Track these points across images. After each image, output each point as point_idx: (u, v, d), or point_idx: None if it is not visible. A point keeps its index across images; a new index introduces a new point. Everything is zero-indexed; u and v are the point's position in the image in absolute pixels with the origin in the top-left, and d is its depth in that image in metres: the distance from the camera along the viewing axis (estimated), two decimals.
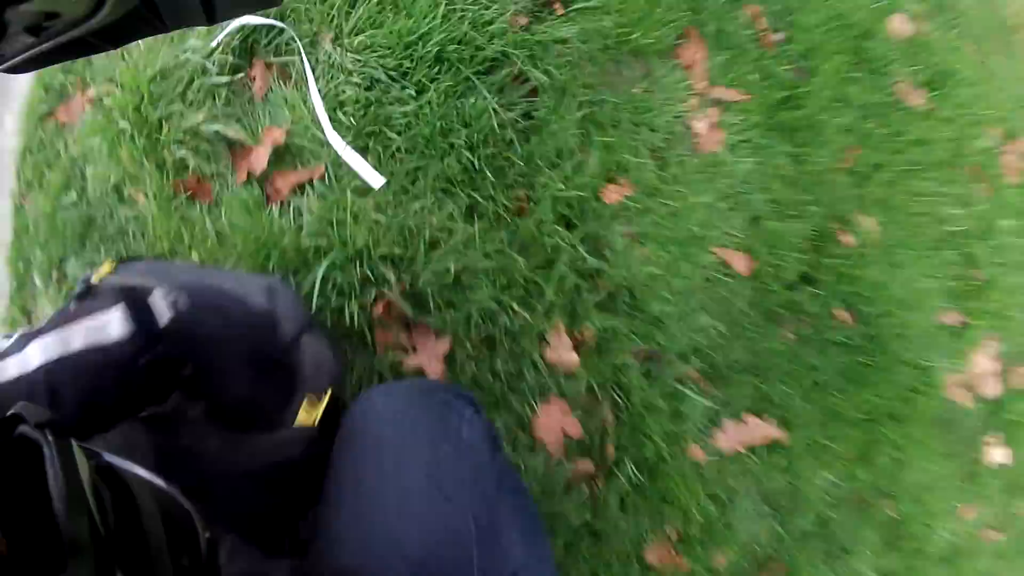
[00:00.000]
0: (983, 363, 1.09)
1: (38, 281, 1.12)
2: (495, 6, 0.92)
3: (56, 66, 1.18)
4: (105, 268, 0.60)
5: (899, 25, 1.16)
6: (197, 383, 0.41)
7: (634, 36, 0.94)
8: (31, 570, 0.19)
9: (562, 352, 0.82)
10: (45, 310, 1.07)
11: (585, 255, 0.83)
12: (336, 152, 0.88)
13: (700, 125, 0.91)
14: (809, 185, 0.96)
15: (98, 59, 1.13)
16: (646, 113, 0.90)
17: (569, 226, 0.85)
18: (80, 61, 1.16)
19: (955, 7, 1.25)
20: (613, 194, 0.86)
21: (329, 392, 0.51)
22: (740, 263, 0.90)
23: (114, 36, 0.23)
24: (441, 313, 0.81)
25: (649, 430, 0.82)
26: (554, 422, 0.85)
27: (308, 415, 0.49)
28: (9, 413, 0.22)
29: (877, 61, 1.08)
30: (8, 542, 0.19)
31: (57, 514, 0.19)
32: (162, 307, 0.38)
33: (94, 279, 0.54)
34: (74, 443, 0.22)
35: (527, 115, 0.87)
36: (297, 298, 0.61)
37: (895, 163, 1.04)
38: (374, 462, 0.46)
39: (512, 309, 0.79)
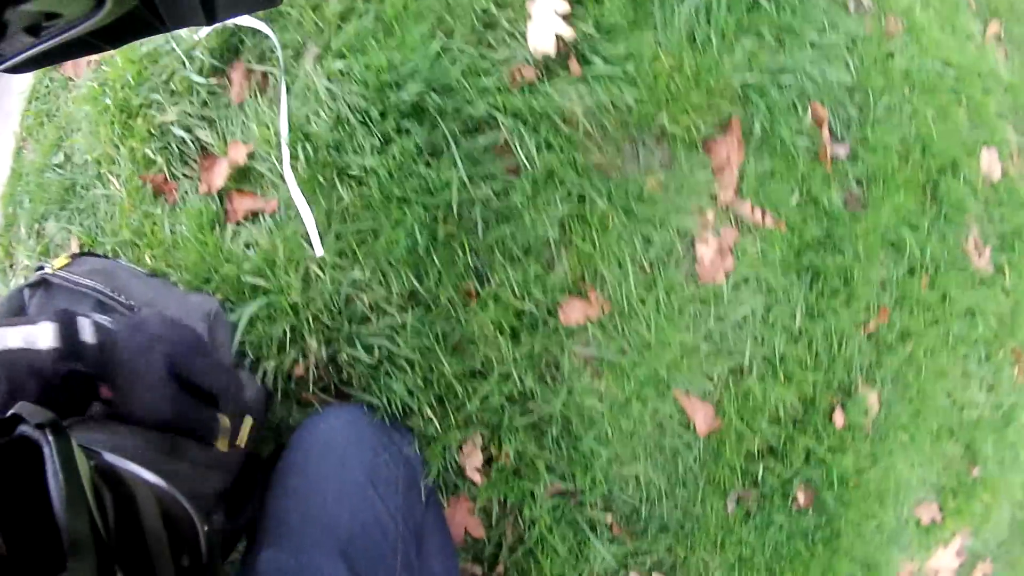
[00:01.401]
0: (944, 559, 0.83)
1: (23, 230, 0.99)
2: (498, 52, 0.64)
3: None
4: (60, 261, 0.55)
5: (988, 164, 0.79)
6: (117, 405, 0.38)
7: (660, 118, 0.64)
8: (31, 570, 0.18)
9: (469, 468, 0.62)
10: (22, 260, 0.96)
11: (522, 375, 0.61)
12: (285, 190, 0.66)
13: (708, 248, 0.65)
14: (817, 346, 0.68)
15: None
16: (645, 221, 0.63)
17: (515, 337, 0.62)
18: None
19: None
20: (576, 312, 0.62)
21: (251, 421, 0.48)
22: (702, 419, 0.66)
23: (113, 36, 0.20)
24: (362, 393, 0.62)
25: (541, 567, 0.63)
26: (459, 518, 0.67)
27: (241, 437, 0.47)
28: (9, 413, 0.20)
29: (952, 206, 0.74)
30: (8, 542, 0.18)
31: (57, 514, 0.18)
32: (89, 331, 0.37)
33: (48, 270, 0.51)
34: (74, 443, 0.20)
35: (501, 195, 0.62)
36: (233, 329, 0.58)
37: (928, 335, 0.75)
38: (319, 458, 0.47)
39: (425, 414, 0.59)
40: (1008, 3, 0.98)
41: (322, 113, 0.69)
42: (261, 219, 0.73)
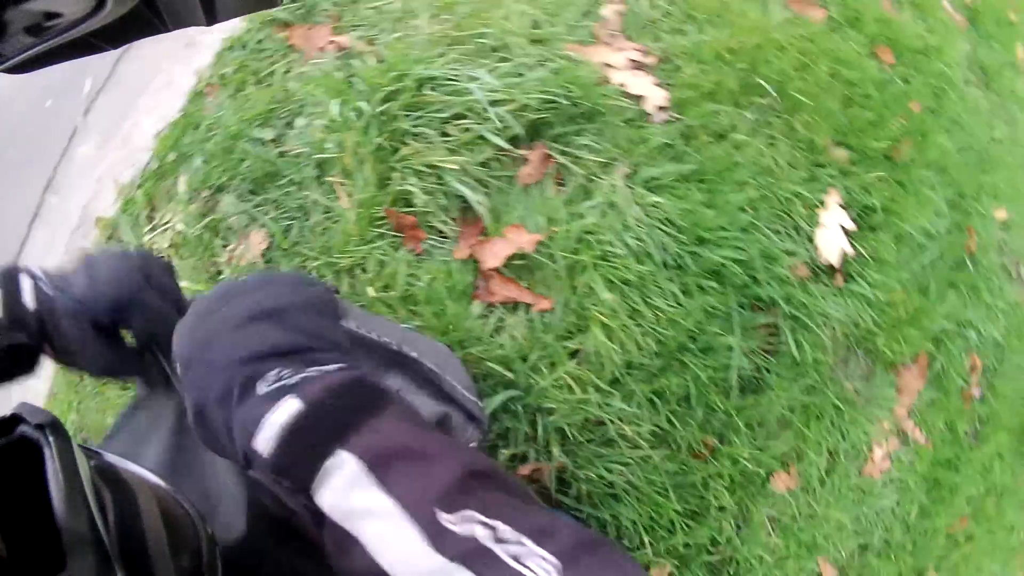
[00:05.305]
0: None
1: (182, 187, 1.00)
2: (789, 243, 0.87)
3: None
4: None
5: None
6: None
7: (878, 339, 0.92)
8: (31, 570, 0.20)
9: None
10: (171, 219, 0.95)
11: (729, 524, 0.84)
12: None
13: (878, 451, 0.93)
14: (917, 536, 1.02)
15: (368, 2, 0.97)
16: (847, 419, 0.90)
17: (730, 490, 0.85)
18: None
19: None
20: (781, 482, 0.87)
21: None
22: None
23: (114, 36, 0.23)
24: (579, 504, 0.81)
25: None
26: None
27: None
28: (10, 413, 0.23)
29: None
30: (8, 542, 0.20)
31: (57, 514, 0.20)
32: (30, 295, 0.38)
33: None
34: (74, 443, 0.22)
35: (758, 371, 0.85)
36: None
37: (983, 541, 1.12)
38: None
39: (639, 536, 0.80)
40: None
41: (628, 240, 0.85)
42: (523, 312, 0.87)
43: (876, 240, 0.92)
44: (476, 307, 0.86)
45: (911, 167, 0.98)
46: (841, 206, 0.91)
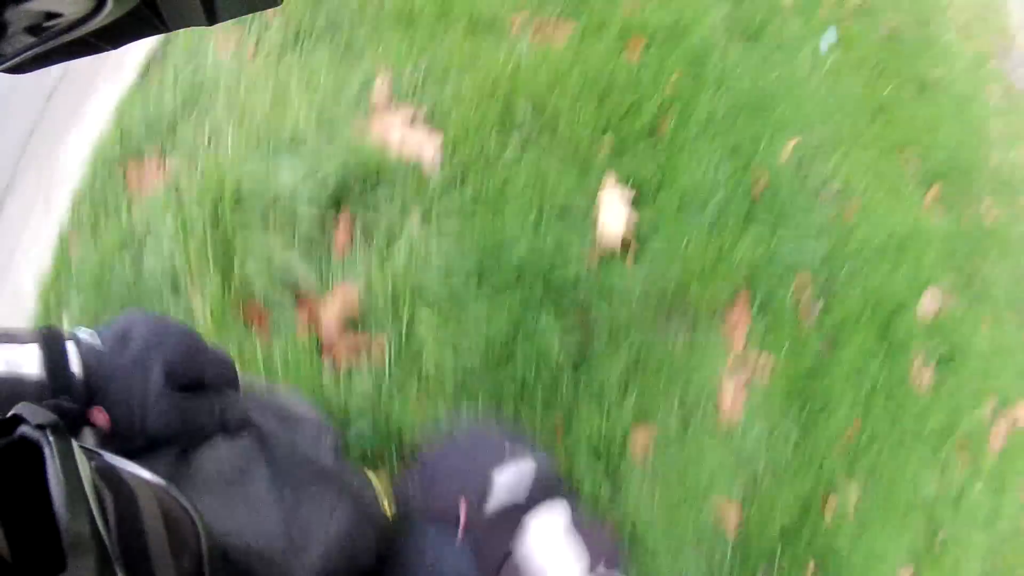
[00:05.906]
0: None
1: (66, 324, 1.15)
2: (578, 229, 1.00)
3: (135, 119, 1.20)
4: None
5: (929, 301, 1.29)
6: (117, 430, 0.39)
7: (692, 289, 1.04)
8: (31, 570, 0.20)
9: None
10: None
11: (605, 486, 0.93)
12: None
13: (729, 385, 1.02)
14: (810, 452, 1.08)
15: (181, 130, 1.16)
16: (685, 367, 1.00)
17: (597, 456, 0.94)
18: (161, 125, 1.19)
19: (985, 279, 1.40)
20: (643, 438, 0.96)
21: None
22: (732, 516, 1.01)
23: (114, 36, 0.24)
24: None
25: None
26: None
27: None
28: (10, 414, 0.23)
29: (900, 339, 1.21)
30: (9, 542, 0.21)
31: (57, 514, 0.20)
32: (76, 360, 0.38)
33: None
34: (75, 444, 0.23)
35: (582, 346, 0.96)
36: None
37: (890, 436, 1.18)
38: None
39: None
40: (947, 169, 1.55)
41: (434, 265, 1.00)
42: (366, 355, 1.00)
43: (660, 204, 1.06)
44: (327, 364, 0.98)
45: (678, 132, 1.14)
46: (618, 186, 1.06)
